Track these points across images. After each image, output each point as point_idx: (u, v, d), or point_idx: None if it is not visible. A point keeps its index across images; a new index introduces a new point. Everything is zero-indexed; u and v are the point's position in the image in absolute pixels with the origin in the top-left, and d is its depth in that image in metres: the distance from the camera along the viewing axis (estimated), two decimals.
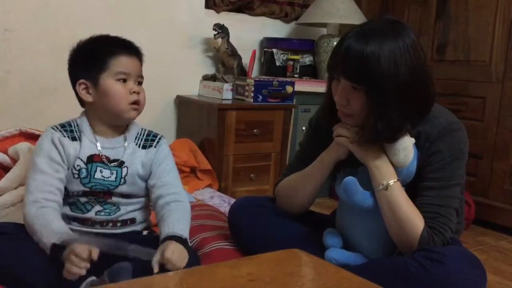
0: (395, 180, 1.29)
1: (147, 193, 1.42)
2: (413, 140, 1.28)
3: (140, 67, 1.39)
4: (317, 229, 1.48)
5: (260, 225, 1.49)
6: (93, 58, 1.35)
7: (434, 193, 1.29)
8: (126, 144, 1.39)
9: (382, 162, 1.30)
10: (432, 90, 1.31)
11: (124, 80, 1.34)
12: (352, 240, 1.39)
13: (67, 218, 1.35)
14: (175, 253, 1.19)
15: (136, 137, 1.42)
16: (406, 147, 1.27)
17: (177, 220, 1.32)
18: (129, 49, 1.37)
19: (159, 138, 1.44)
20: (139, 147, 1.41)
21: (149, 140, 1.43)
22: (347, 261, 1.35)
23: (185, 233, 1.30)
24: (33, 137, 1.86)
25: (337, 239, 1.41)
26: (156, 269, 1.16)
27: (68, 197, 1.35)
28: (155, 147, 1.42)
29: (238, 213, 1.56)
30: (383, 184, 1.28)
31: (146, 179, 1.41)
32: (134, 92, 1.35)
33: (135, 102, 1.36)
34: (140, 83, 1.39)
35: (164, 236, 1.27)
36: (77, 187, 1.34)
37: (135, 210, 1.41)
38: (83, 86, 1.35)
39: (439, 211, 1.28)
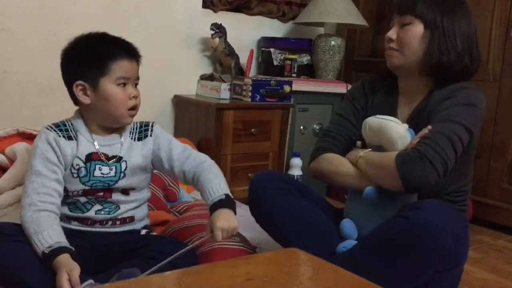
0: (366, 150, 1.42)
1: (146, 183, 1.44)
2: (406, 125, 1.35)
3: (138, 70, 1.39)
4: (335, 216, 1.52)
5: (285, 203, 1.46)
6: (93, 60, 1.32)
7: (434, 126, 1.33)
8: (122, 139, 1.40)
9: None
10: (478, 54, 1.45)
11: (124, 84, 1.33)
12: (360, 229, 1.42)
13: (66, 218, 1.35)
14: (217, 230, 1.25)
15: (130, 132, 1.42)
16: (401, 136, 1.33)
17: (208, 181, 1.36)
18: (130, 52, 1.36)
19: (152, 126, 1.45)
20: (134, 140, 1.41)
21: (142, 131, 1.43)
22: None
23: (221, 190, 1.34)
24: (30, 137, 1.85)
25: (353, 230, 1.42)
26: (219, 237, 1.25)
27: (68, 197, 1.35)
28: (150, 136, 1.42)
29: (263, 186, 1.50)
30: (356, 157, 1.42)
31: (149, 169, 1.43)
32: (133, 96, 1.35)
33: (133, 108, 1.36)
34: (137, 85, 1.39)
35: (208, 206, 1.33)
36: (76, 186, 1.34)
37: (134, 208, 1.41)
38: (80, 87, 1.33)
39: (428, 135, 1.31)
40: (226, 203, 1.32)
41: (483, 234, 2.46)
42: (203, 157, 1.44)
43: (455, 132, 1.31)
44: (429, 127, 1.33)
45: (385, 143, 1.36)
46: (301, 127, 2.84)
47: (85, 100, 1.33)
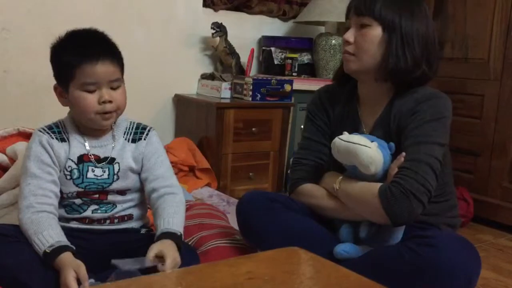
0: (340, 178, 1.40)
1: (142, 186, 1.41)
2: (375, 145, 1.31)
3: (113, 70, 1.29)
4: (327, 223, 1.50)
5: (272, 220, 1.45)
6: (60, 65, 1.29)
7: (408, 150, 1.31)
8: (114, 140, 1.37)
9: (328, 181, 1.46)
10: (438, 55, 1.42)
11: (94, 90, 1.27)
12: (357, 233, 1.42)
13: (64, 219, 1.35)
14: (171, 259, 1.20)
15: (125, 132, 1.39)
16: (372, 160, 1.30)
17: (172, 214, 1.32)
18: (94, 55, 1.25)
19: (148, 130, 1.41)
20: (128, 141, 1.38)
21: (138, 133, 1.40)
22: (355, 254, 1.36)
23: (179, 228, 1.31)
24: (31, 137, 1.85)
25: (352, 234, 1.42)
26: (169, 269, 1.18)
27: (63, 200, 1.34)
28: (144, 139, 1.39)
29: (249, 207, 1.50)
30: (333, 188, 1.40)
31: (139, 173, 1.39)
32: (104, 101, 1.27)
33: (105, 112, 1.29)
34: (117, 86, 1.30)
35: (159, 232, 1.28)
36: (70, 188, 1.33)
37: (131, 207, 1.40)
38: (58, 90, 1.32)
39: (406, 165, 1.29)
40: (180, 240, 1.28)
41: (484, 233, 2.46)
42: (179, 190, 1.39)
43: (432, 154, 1.29)
44: (403, 154, 1.31)
45: (358, 165, 1.32)
46: (302, 126, 2.83)
47: (63, 102, 1.33)
